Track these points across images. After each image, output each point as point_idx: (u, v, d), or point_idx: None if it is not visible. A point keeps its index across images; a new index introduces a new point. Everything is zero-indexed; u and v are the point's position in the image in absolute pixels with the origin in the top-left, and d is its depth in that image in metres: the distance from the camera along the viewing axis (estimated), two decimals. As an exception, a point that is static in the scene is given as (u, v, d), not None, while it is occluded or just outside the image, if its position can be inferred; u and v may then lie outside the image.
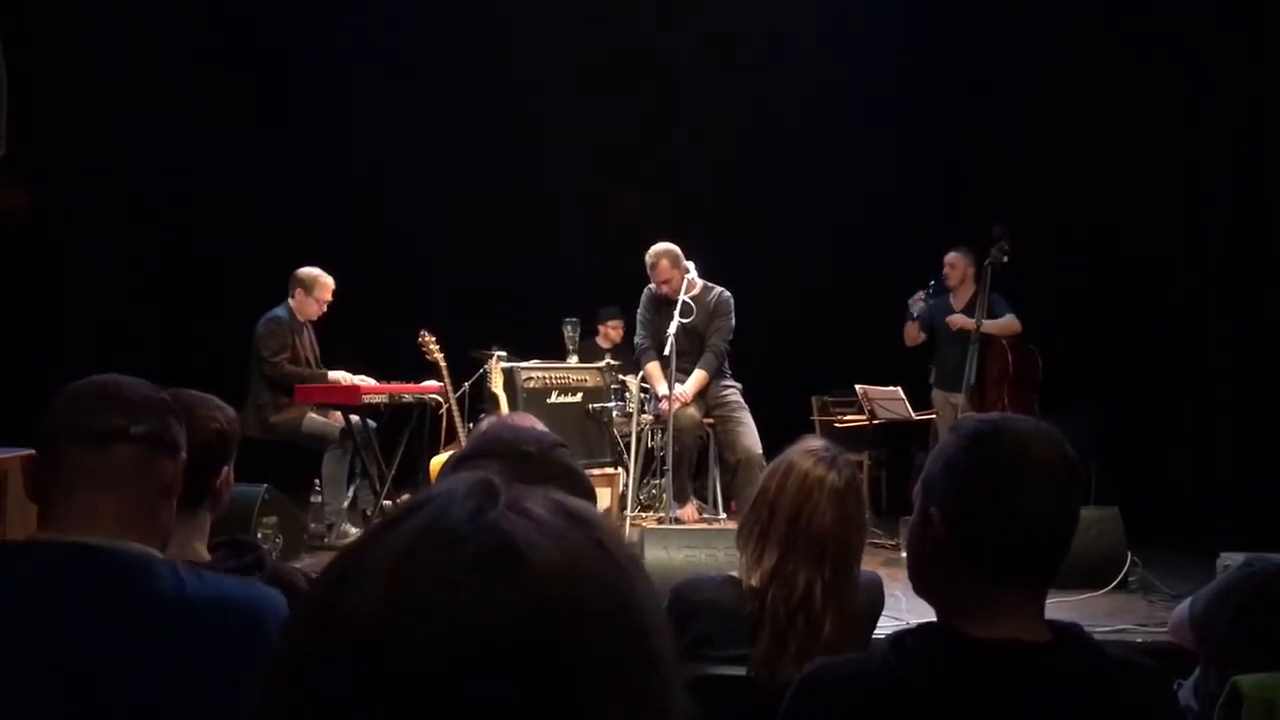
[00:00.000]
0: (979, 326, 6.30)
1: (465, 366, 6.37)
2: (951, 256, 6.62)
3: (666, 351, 5.53)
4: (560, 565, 0.59)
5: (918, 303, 6.59)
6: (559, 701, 0.56)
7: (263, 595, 1.54)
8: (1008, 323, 6.33)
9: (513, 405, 5.73)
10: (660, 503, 6.01)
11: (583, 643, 0.57)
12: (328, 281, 6.18)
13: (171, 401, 1.61)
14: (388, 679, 0.55)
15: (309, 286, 6.13)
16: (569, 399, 6.06)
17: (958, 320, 6.47)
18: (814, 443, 2.36)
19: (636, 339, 6.24)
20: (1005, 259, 6.34)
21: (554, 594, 0.57)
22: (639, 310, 6.20)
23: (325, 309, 6.19)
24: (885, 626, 2.38)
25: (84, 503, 1.49)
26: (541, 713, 0.55)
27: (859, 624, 2.24)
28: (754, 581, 2.21)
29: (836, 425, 7.17)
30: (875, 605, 2.35)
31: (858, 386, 6.56)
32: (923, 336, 6.57)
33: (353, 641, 0.56)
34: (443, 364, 6.00)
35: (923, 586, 1.47)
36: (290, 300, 6.13)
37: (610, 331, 7.80)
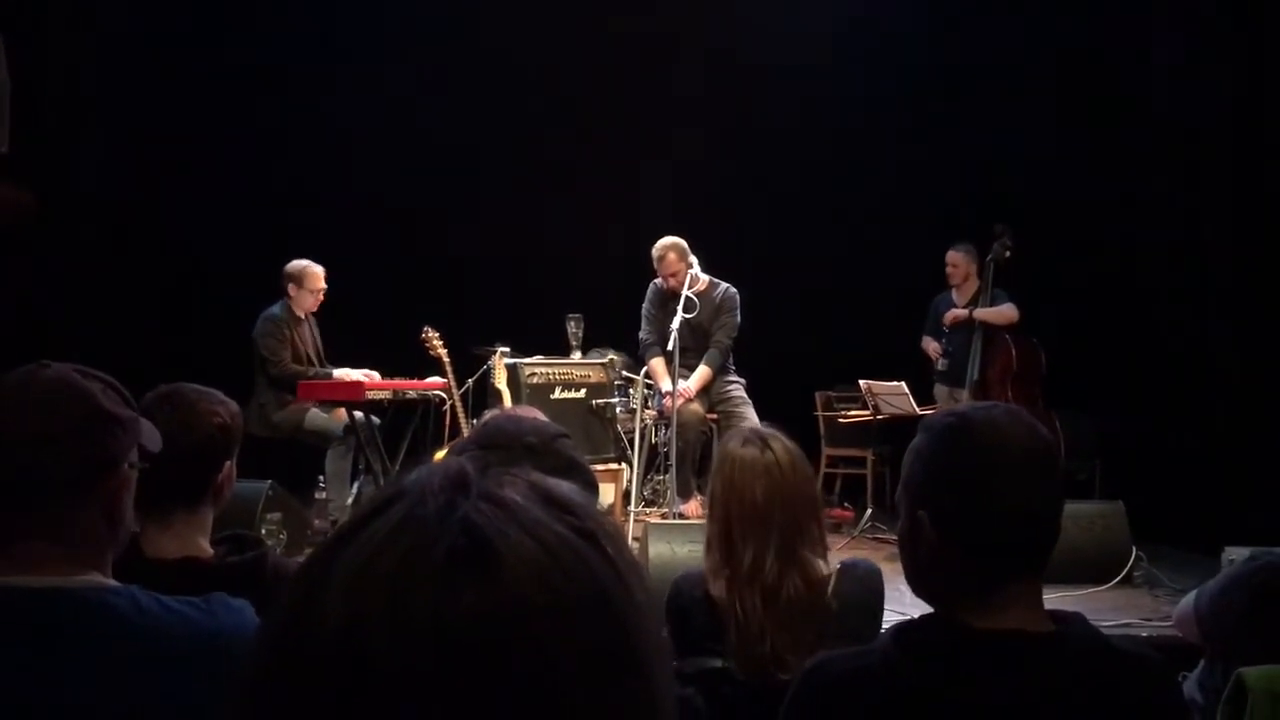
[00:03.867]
0: (971, 313, 6.32)
1: (469, 363, 6.36)
2: (953, 255, 6.62)
3: (670, 347, 5.54)
4: (535, 558, 0.55)
5: (939, 357, 6.61)
6: (533, 705, 0.53)
7: (221, 627, 1.34)
8: (1003, 310, 6.33)
9: (516, 401, 5.72)
10: (664, 499, 6.01)
11: (557, 642, 0.54)
12: (317, 271, 6.15)
13: (94, 404, 1.38)
14: (357, 689, 0.53)
15: (299, 280, 6.11)
16: (572, 394, 6.05)
17: (950, 315, 6.49)
18: (743, 431, 2.41)
19: (641, 334, 6.24)
20: (1007, 255, 6.36)
21: (528, 590, 0.54)
22: (644, 305, 6.20)
23: (321, 299, 6.17)
24: (889, 620, 2.37)
25: (21, 551, 1.33)
26: (514, 716, 0.53)
27: (841, 604, 2.24)
28: (714, 591, 2.24)
29: (840, 421, 7.16)
30: (875, 595, 2.34)
31: (861, 382, 6.55)
32: (945, 363, 6.61)
33: (321, 651, 0.54)
34: (446, 360, 5.99)
35: (921, 588, 1.46)
36: (286, 296, 6.13)
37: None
